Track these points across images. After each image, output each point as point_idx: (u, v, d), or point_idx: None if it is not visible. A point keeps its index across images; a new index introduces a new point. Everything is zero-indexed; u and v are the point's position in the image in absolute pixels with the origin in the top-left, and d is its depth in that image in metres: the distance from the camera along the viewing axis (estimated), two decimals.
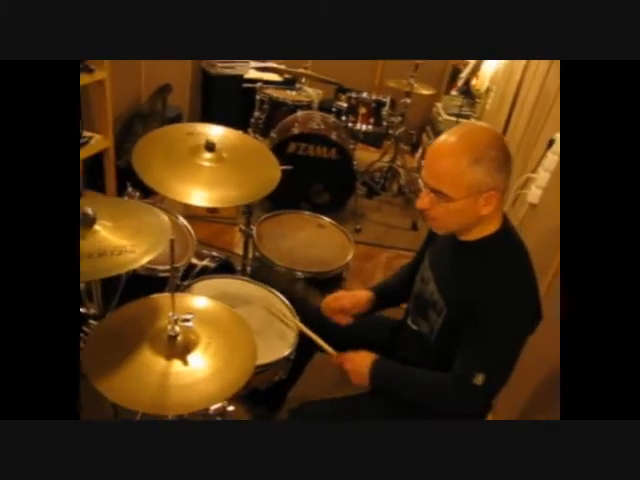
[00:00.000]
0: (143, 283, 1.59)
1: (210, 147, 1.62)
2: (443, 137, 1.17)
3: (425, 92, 3.62)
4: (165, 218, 1.24)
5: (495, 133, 1.17)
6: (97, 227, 1.15)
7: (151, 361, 1.08)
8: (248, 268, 2.16)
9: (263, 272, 1.98)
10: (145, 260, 1.11)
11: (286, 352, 1.50)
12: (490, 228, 1.22)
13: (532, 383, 1.76)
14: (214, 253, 2.04)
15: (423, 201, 1.20)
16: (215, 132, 1.73)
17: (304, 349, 1.59)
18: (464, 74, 4.12)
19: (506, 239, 1.23)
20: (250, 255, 2.13)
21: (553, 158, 2.07)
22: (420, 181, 1.24)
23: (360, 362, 1.37)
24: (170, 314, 1.11)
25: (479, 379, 1.17)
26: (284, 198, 2.32)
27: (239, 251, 2.47)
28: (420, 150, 4.26)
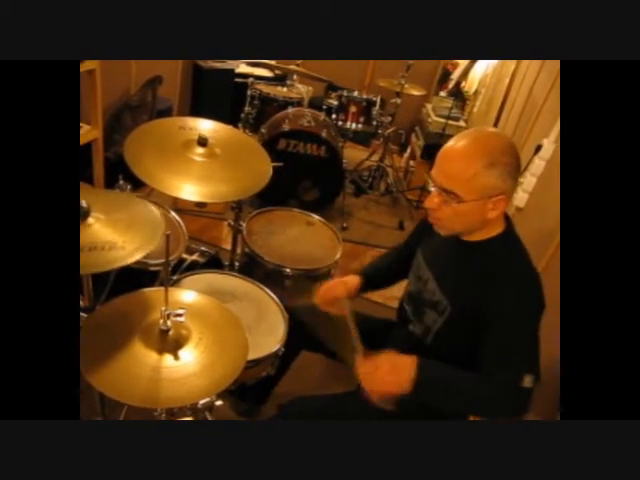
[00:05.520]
0: (133, 276, 1.58)
1: (202, 142, 1.62)
2: (457, 139, 1.18)
3: (415, 93, 3.64)
4: (158, 213, 1.24)
5: (509, 140, 1.20)
6: (91, 220, 1.15)
7: (143, 355, 1.08)
8: (236, 263, 2.17)
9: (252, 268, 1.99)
10: (135, 258, 1.11)
11: (275, 348, 1.51)
12: (495, 229, 1.25)
13: None
14: (203, 248, 2.05)
15: (432, 201, 1.21)
16: (207, 127, 1.73)
17: (291, 345, 1.60)
18: (455, 76, 4.16)
19: (511, 239, 1.26)
20: (239, 250, 2.14)
21: (540, 163, 2.12)
22: (429, 181, 1.23)
23: (401, 365, 1.17)
24: (162, 308, 1.11)
25: (527, 381, 1.14)
26: (272, 194, 2.33)
27: (227, 246, 2.47)
28: (409, 150, 4.28)
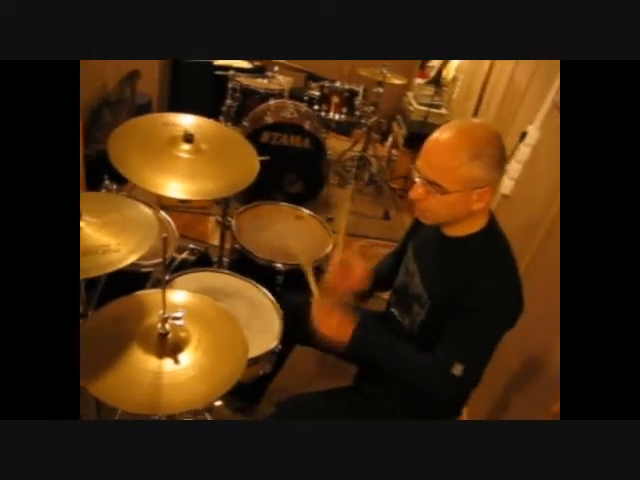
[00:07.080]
0: (124, 279, 1.55)
1: (188, 138, 1.59)
2: (443, 130, 1.18)
3: (397, 82, 3.63)
4: (151, 214, 1.22)
5: (494, 130, 1.18)
6: (82, 224, 1.12)
7: (142, 360, 1.06)
8: (225, 260, 2.14)
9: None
10: (130, 260, 1.08)
11: (272, 345, 1.50)
12: (477, 225, 1.25)
13: (501, 379, 1.81)
14: (192, 245, 2.02)
15: (416, 192, 1.21)
16: (192, 122, 1.69)
17: (285, 341, 1.59)
18: (436, 63, 4.15)
19: (491, 237, 1.26)
20: (227, 246, 2.12)
21: (525, 150, 2.12)
22: (414, 172, 1.22)
23: (344, 322, 1.31)
24: (160, 312, 1.09)
25: (457, 369, 1.19)
26: (256, 188, 2.30)
27: (214, 241, 2.44)
28: (390, 139, 4.28)
